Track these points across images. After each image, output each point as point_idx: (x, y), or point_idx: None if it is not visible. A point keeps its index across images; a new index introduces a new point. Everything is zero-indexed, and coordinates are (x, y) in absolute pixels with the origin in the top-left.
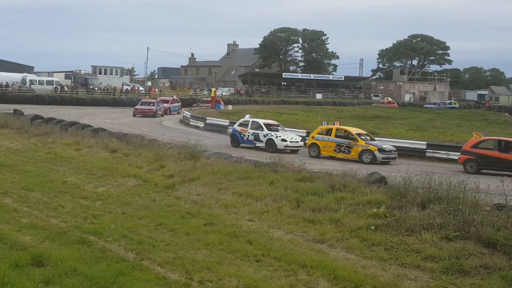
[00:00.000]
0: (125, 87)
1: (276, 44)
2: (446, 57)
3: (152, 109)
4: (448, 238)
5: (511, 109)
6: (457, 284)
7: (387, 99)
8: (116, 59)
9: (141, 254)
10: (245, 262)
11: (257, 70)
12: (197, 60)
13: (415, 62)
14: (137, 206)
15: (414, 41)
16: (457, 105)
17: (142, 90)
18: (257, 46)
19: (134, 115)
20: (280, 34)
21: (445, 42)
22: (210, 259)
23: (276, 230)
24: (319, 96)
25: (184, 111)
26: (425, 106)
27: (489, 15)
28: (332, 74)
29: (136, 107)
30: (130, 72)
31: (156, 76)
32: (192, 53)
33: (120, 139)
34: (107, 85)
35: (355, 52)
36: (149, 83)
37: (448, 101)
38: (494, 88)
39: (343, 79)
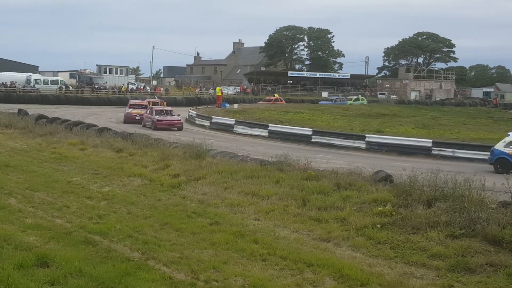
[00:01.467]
0: (130, 86)
1: (281, 43)
2: (452, 54)
3: (180, 121)
4: (454, 236)
5: None
6: (463, 282)
7: (275, 95)
8: (121, 58)
9: (146, 254)
10: (251, 261)
11: (262, 68)
12: (202, 58)
13: (420, 60)
14: (142, 206)
15: (420, 39)
16: (364, 101)
17: (147, 89)
18: (263, 44)
19: (155, 128)
20: (285, 33)
21: (451, 40)
22: (216, 259)
23: (282, 229)
24: (325, 94)
25: (190, 110)
26: (320, 102)
27: (494, 13)
28: (338, 73)
29: (158, 117)
30: (135, 71)
31: (161, 75)
32: (197, 52)
33: (125, 139)
34: (122, 84)
35: (360, 50)
36: (154, 82)
37: (355, 97)
38: (499, 85)
39: (349, 77)
